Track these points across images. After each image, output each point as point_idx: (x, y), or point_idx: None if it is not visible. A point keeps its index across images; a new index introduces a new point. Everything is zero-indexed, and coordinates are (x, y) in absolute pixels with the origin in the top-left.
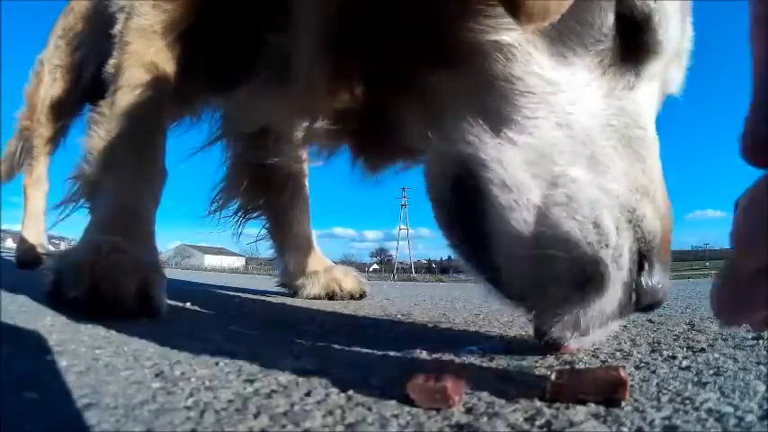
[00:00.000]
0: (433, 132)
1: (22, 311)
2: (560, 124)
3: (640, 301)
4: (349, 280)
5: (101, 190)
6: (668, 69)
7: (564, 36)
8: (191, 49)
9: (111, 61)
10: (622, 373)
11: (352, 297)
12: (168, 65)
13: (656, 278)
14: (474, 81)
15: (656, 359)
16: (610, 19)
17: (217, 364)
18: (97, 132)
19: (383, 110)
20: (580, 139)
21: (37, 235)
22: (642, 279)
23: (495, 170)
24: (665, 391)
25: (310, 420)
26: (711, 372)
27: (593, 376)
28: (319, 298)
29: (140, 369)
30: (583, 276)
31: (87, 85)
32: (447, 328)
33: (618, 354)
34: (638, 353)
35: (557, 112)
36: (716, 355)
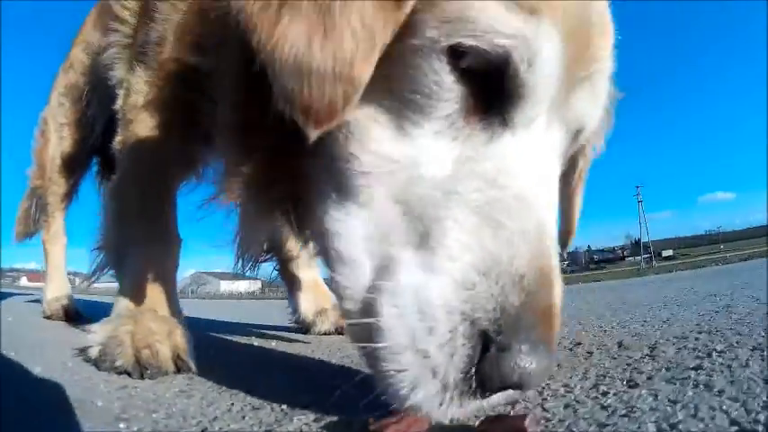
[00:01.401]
0: (307, 208)
1: (75, 380)
2: (398, 201)
3: (486, 387)
4: None
5: (126, 261)
6: (570, 102)
7: (404, 109)
8: (185, 119)
9: (117, 138)
10: (526, 422)
11: None
12: (167, 136)
13: (508, 362)
14: (328, 162)
15: (589, 395)
16: (447, 81)
17: (243, 417)
18: (113, 207)
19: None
20: (417, 214)
21: (61, 288)
22: (485, 364)
23: (336, 245)
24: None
25: None
26: (623, 410)
27: (504, 424)
28: (329, 333)
29: (189, 427)
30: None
31: (97, 140)
32: None
33: (561, 389)
34: (580, 387)
35: (394, 188)
36: (643, 392)
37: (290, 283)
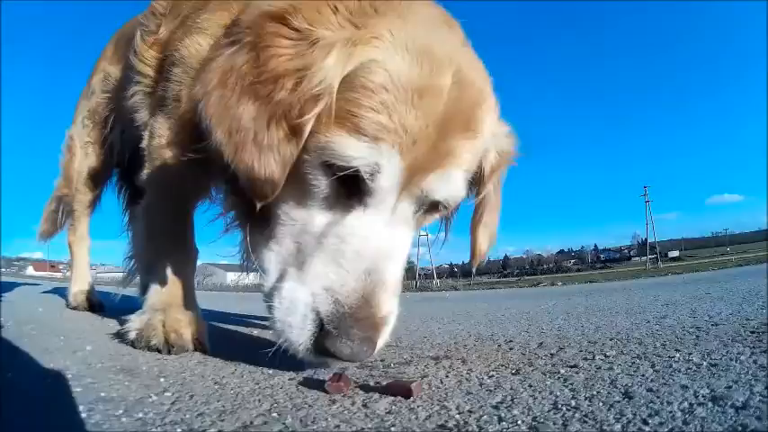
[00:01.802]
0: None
1: (121, 354)
2: (296, 242)
3: (320, 349)
4: None
5: (154, 268)
6: (421, 185)
7: (301, 190)
8: (199, 159)
9: (144, 171)
10: (411, 387)
11: None
12: (184, 171)
13: (329, 341)
14: (275, 217)
15: (481, 376)
16: (324, 181)
17: (242, 376)
18: (142, 226)
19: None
20: (301, 251)
21: (84, 282)
22: (319, 337)
23: (262, 264)
24: (443, 404)
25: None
26: (494, 387)
27: (399, 384)
28: None
29: (207, 382)
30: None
31: (117, 159)
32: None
33: (465, 371)
34: (480, 370)
35: (294, 236)
36: (517, 378)
37: None
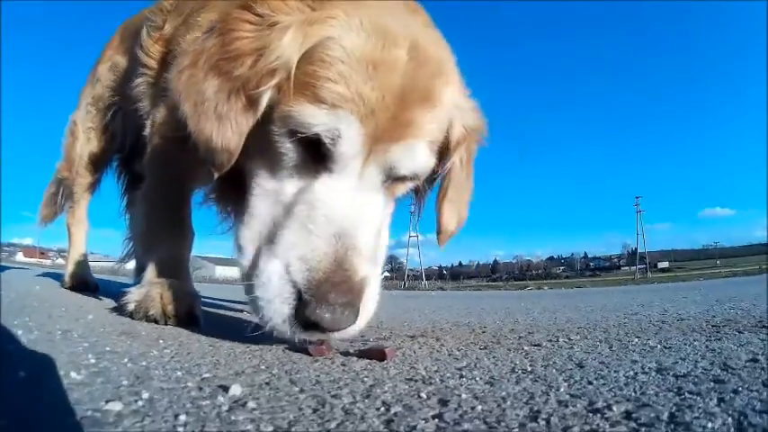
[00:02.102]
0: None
1: (121, 322)
2: (270, 214)
3: (301, 321)
4: None
5: (153, 247)
6: (386, 155)
7: (270, 160)
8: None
9: (146, 157)
10: (386, 351)
11: None
12: (183, 158)
13: (309, 309)
14: (248, 191)
15: (451, 350)
16: (286, 144)
17: (233, 340)
18: (140, 210)
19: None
20: (274, 223)
21: (81, 263)
22: (299, 308)
23: (238, 237)
24: (413, 366)
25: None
26: (463, 360)
27: (374, 349)
28: None
29: (203, 345)
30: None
31: (119, 146)
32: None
33: (437, 345)
34: (451, 345)
35: (267, 207)
36: (483, 353)
37: None
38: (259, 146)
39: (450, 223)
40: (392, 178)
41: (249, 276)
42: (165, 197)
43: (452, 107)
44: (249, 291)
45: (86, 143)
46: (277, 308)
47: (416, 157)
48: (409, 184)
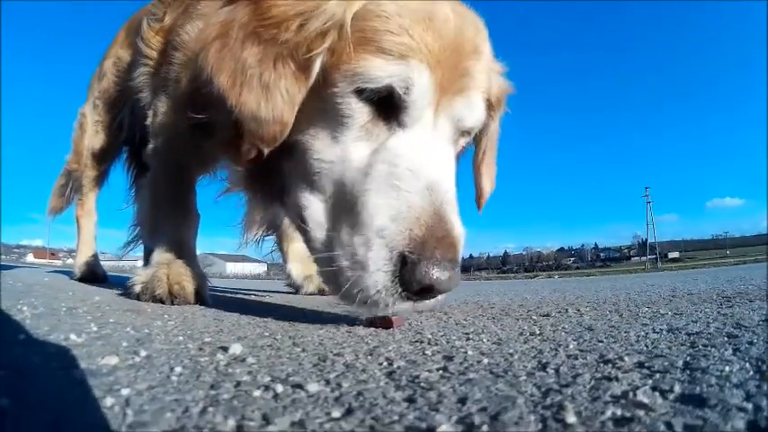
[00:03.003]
0: (287, 193)
1: (129, 303)
2: (336, 184)
3: (409, 287)
4: None
5: (157, 232)
6: (453, 106)
7: (331, 126)
8: (198, 134)
9: (149, 147)
10: (393, 319)
11: None
12: (186, 145)
13: (420, 270)
14: (297, 165)
15: (443, 320)
16: (353, 104)
17: (240, 325)
18: (148, 194)
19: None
20: (349, 191)
21: (90, 256)
22: (405, 272)
23: (306, 213)
24: (419, 332)
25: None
26: (471, 327)
27: (381, 318)
28: (313, 294)
29: (208, 321)
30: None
31: (126, 138)
32: None
33: (443, 316)
34: (459, 315)
35: (334, 179)
36: (488, 322)
37: (285, 255)
38: (313, 113)
39: (487, 186)
40: (459, 131)
41: (330, 248)
42: (170, 183)
43: (491, 63)
44: (326, 264)
45: (94, 136)
46: (377, 277)
47: (476, 109)
48: (464, 141)
